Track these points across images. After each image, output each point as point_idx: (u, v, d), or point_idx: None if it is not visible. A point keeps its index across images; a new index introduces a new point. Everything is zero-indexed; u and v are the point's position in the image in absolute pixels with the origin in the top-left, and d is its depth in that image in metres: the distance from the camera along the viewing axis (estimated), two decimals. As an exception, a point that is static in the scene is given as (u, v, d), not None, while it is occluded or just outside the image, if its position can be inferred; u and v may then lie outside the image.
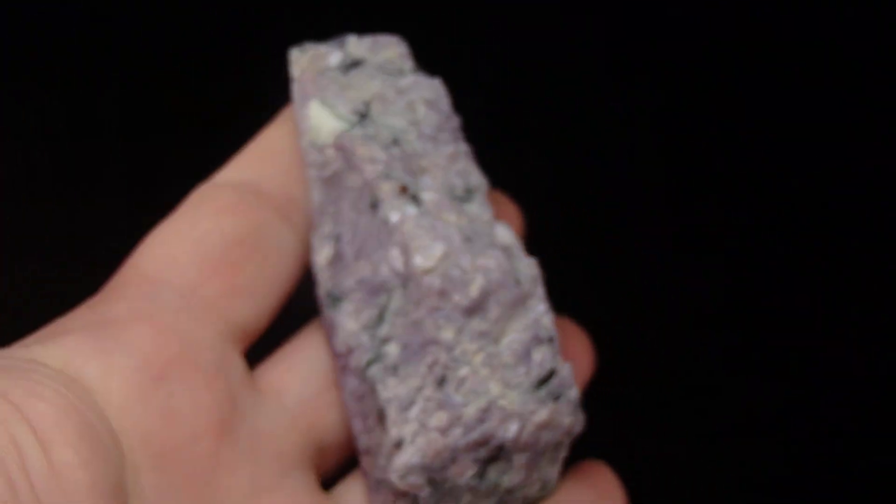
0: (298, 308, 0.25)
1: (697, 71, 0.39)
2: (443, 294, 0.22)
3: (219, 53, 0.38)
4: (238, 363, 0.24)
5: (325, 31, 0.27)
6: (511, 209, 0.26)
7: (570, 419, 0.23)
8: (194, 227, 0.24)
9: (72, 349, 0.22)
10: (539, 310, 0.23)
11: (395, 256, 0.23)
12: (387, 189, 0.23)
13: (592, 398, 0.25)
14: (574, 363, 0.25)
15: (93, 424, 0.21)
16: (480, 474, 0.23)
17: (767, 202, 0.39)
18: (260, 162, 0.25)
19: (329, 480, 0.25)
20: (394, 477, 0.22)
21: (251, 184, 0.24)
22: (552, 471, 0.24)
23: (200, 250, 0.23)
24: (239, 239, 0.24)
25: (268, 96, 0.27)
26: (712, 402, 0.37)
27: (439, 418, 0.22)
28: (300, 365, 0.24)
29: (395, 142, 0.24)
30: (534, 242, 0.27)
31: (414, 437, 0.22)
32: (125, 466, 0.21)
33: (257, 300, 0.24)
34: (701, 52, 0.39)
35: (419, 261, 0.23)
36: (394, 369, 0.23)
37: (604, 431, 0.26)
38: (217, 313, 0.23)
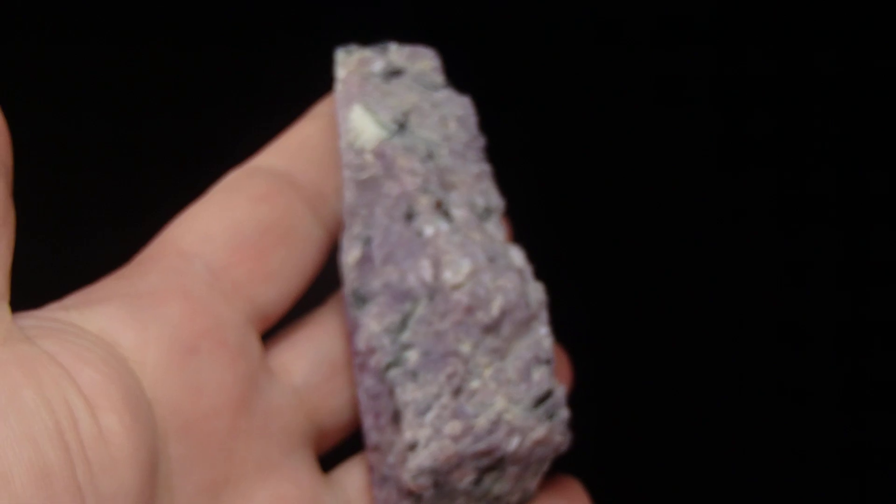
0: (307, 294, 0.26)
1: (730, 98, 0.39)
2: (469, 310, 0.24)
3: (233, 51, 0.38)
4: (256, 345, 0.24)
5: (335, 34, 0.27)
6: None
7: (561, 438, 0.25)
8: (231, 210, 0.24)
9: (108, 317, 0.22)
10: (541, 332, 0.25)
11: (426, 268, 0.24)
12: (424, 203, 0.24)
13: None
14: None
15: (134, 392, 0.21)
16: (477, 481, 0.24)
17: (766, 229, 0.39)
18: (294, 153, 0.25)
19: (323, 465, 0.26)
20: (406, 476, 0.23)
21: (285, 173, 0.25)
22: (533, 482, 0.26)
23: (235, 233, 0.24)
24: (271, 226, 0.24)
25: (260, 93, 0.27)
26: (693, 421, 0.38)
27: (453, 426, 0.24)
28: (311, 351, 0.25)
29: (430, 155, 0.25)
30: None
31: (428, 442, 0.23)
32: (158, 435, 0.22)
33: (281, 287, 0.25)
34: (734, 82, 0.39)
35: (449, 275, 0.24)
36: (413, 375, 0.24)
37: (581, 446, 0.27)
38: (244, 296, 0.24)
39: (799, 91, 0.38)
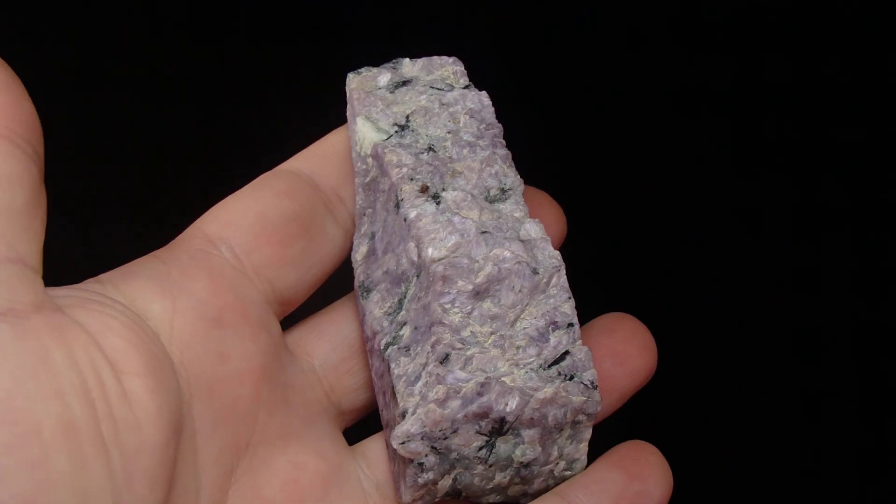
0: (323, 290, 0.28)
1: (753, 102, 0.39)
2: (446, 280, 0.25)
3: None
4: (276, 324, 0.26)
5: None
6: (554, 209, 0.29)
7: (582, 399, 0.25)
8: (256, 201, 0.26)
9: (139, 289, 0.24)
10: (560, 297, 0.25)
11: (412, 249, 0.25)
12: (407, 189, 0.26)
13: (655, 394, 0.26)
14: (633, 359, 0.27)
15: (158, 357, 0.23)
16: (490, 447, 0.25)
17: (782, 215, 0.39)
18: (318, 160, 0.28)
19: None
20: (395, 443, 0.25)
21: (308, 176, 0.27)
22: (576, 450, 0.26)
23: (259, 221, 0.26)
24: (293, 217, 0.26)
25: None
26: (707, 424, 0.38)
27: (437, 391, 0.25)
28: (330, 334, 0.27)
29: (431, 148, 0.26)
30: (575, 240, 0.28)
31: (415, 409, 0.25)
32: (183, 398, 0.23)
33: (300, 274, 0.27)
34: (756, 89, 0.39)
35: (430, 251, 0.25)
36: (406, 349, 0.25)
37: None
38: (265, 278, 0.26)
39: (814, 98, 0.38)
